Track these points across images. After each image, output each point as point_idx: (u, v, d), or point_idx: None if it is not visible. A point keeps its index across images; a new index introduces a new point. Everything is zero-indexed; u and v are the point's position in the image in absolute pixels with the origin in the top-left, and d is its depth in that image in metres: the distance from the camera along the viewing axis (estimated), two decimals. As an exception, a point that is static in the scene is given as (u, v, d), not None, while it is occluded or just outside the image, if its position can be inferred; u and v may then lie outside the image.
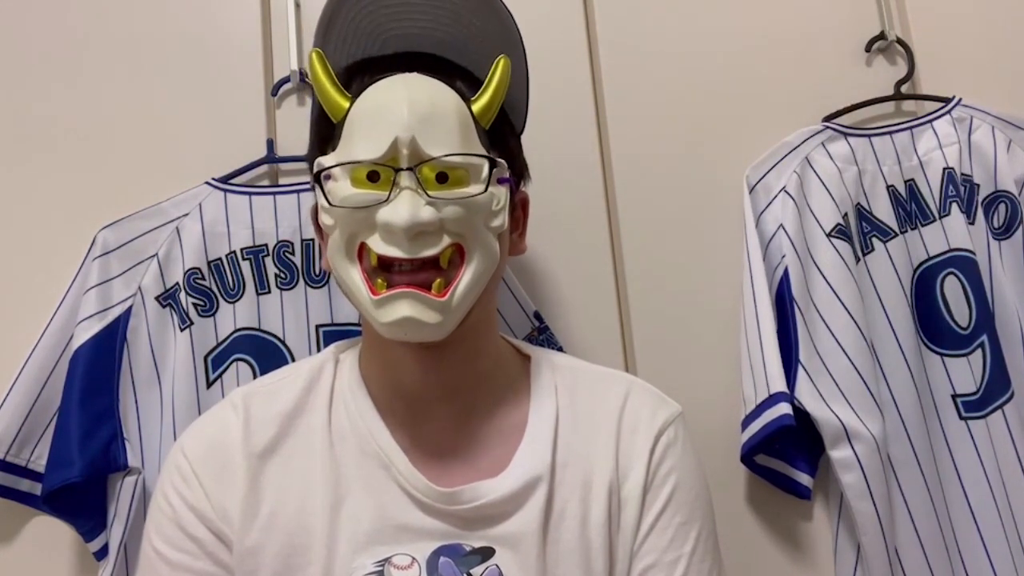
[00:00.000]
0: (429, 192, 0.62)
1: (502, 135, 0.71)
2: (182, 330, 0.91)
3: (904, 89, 1.07)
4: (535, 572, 0.64)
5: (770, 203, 0.99)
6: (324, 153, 0.67)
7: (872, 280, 0.99)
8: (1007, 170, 1.01)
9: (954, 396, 0.98)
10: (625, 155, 1.04)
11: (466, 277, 0.64)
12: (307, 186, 0.94)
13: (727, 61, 1.07)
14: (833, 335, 0.94)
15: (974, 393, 0.97)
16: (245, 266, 0.93)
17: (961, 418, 0.97)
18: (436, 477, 0.66)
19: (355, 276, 0.64)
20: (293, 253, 0.94)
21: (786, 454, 0.95)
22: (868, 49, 1.08)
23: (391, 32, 0.72)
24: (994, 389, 0.97)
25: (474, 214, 0.64)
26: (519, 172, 0.75)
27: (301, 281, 0.94)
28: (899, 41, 1.08)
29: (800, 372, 0.92)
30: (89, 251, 0.91)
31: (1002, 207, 1.02)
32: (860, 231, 1.01)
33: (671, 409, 0.74)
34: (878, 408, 0.92)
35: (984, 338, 0.98)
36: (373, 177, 0.63)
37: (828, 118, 1.05)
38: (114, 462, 0.86)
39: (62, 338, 0.89)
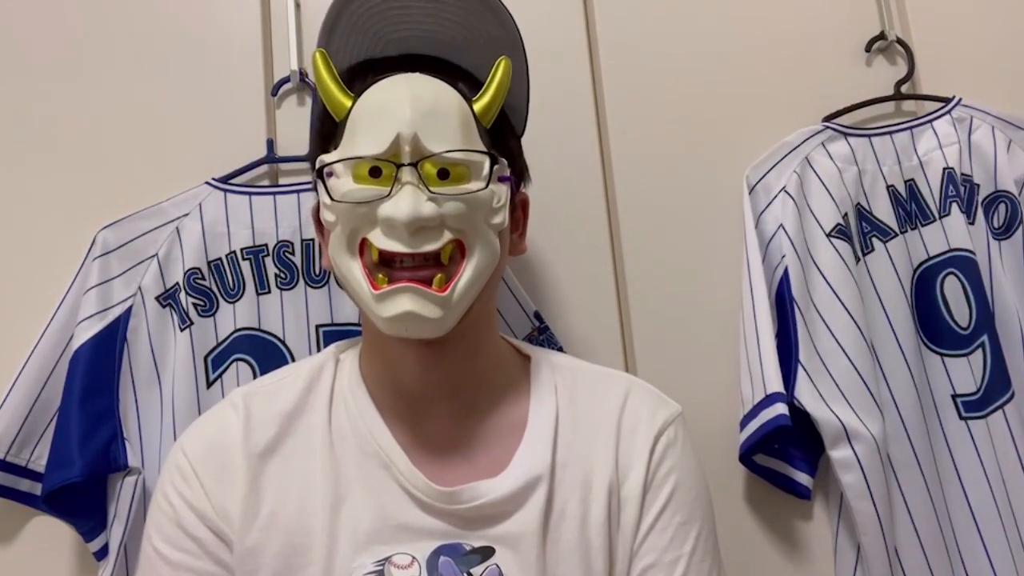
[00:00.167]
0: (431, 188, 0.63)
1: (503, 135, 0.71)
2: (182, 330, 0.91)
3: (904, 89, 1.07)
4: (535, 572, 0.64)
5: (770, 203, 0.99)
6: (326, 151, 0.67)
7: (872, 280, 0.99)
8: (1007, 170, 1.01)
9: (954, 396, 0.98)
10: (625, 155, 1.04)
11: (467, 273, 0.65)
12: (307, 186, 0.94)
13: (727, 61, 1.07)
14: (833, 335, 0.94)
15: (974, 393, 0.97)
16: (245, 266, 0.93)
17: (961, 418, 0.97)
18: (436, 476, 0.66)
19: (356, 271, 0.65)
20: (293, 253, 0.94)
21: (785, 454, 0.95)
22: (868, 49, 1.08)
23: (394, 34, 0.73)
24: (994, 389, 0.97)
25: (475, 210, 0.65)
26: (519, 173, 0.75)
27: (301, 281, 0.94)
28: (899, 41, 1.08)
29: (800, 372, 0.92)
30: (89, 251, 0.91)
31: (1002, 207, 1.02)
32: (860, 231, 1.01)
33: (671, 409, 0.74)
34: (878, 408, 0.92)
35: (984, 338, 0.98)
36: (375, 173, 0.64)
37: (828, 118, 1.05)
38: (114, 462, 0.86)
39: (62, 338, 0.89)
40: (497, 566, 0.64)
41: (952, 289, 0.99)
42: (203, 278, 0.92)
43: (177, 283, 0.92)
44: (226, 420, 0.69)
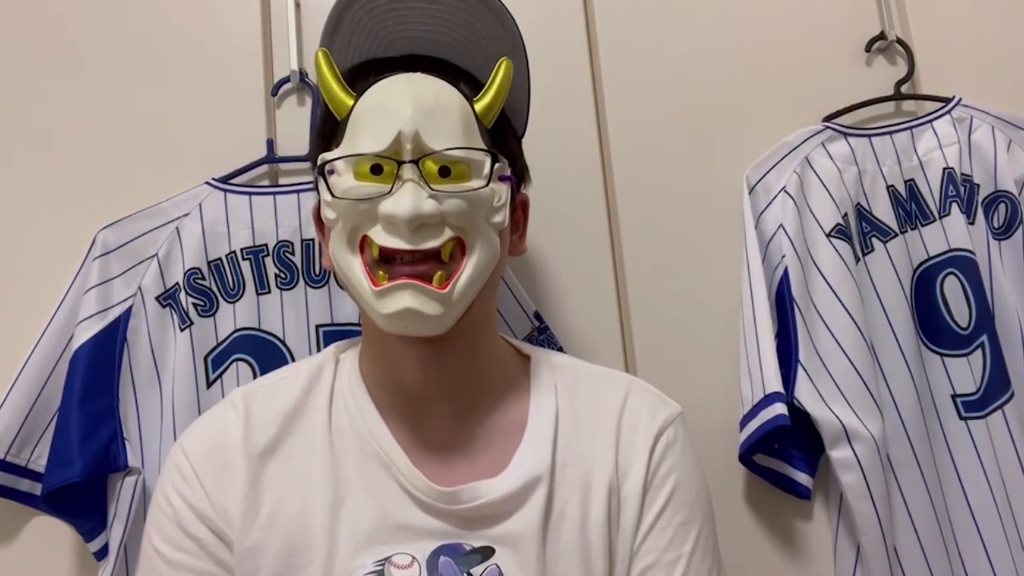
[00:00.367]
0: (431, 185, 0.63)
1: (503, 136, 0.72)
2: (182, 330, 0.91)
3: (904, 89, 1.07)
4: (535, 572, 0.64)
5: (770, 203, 1.00)
6: (327, 150, 0.68)
7: (872, 280, 0.99)
8: (1007, 170, 1.01)
9: (954, 396, 0.98)
10: (625, 155, 1.04)
11: (467, 271, 0.65)
12: (307, 186, 0.94)
13: (727, 61, 1.07)
14: (833, 335, 0.94)
15: (974, 393, 0.97)
16: (245, 266, 0.93)
17: (961, 418, 0.97)
18: (436, 476, 0.66)
19: (356, 268, 0.65)
20: (293, 253, 0.94)
21: (785, 454, 0.95)
22: (868, 49, 1.08)
23: (396, 35, 0.73)
24: (994, 389, 0.97)
25: (476, 208, 0.65)
26: (520, 174, 0.76)
27: (301, 281, 0.94)
28: (899, 41, 1.08)
29: (800, 372, 0.92)
30: (89, 251, 0.91)
31: (1002, 207, 1.02)
32: (860, 231, 1.01)
33: (671, 409, 0.74)
34: (878, 408, 0.92)
35: (984, 338, 0.98)
36: (376, 170, 0.64)
37: (828, 118, 1.05)
38: (114, 462, 0.86)
39: (62, 338, 0.89)
40: (497, 566, 0.64)
41: (952, 289, 0.99)
42: (203, 278, 0.92)
43: (177, 283, 0.92)
44: (226, 420, 0.69)
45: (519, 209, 0.76)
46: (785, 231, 0.97)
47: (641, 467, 0.69)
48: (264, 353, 0.91)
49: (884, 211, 1.02)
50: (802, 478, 0.94)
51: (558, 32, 1.06)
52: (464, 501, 0.65)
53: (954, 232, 1.00)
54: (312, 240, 0.94)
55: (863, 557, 0.91)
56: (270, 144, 0.98)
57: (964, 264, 0.99)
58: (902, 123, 1.05)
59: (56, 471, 0.84)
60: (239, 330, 0.91)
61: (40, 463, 0.87)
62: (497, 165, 0.66)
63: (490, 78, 0.68)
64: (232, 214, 0.94)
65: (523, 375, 0.75)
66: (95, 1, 1.02)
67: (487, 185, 0.65)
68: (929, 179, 1.03)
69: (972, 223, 1.01)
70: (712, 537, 0.71)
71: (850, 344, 0.93)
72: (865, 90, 1.06)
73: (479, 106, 0.68)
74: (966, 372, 0.98)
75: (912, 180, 1.03)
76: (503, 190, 0.67)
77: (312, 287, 0.94)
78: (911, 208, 1.02)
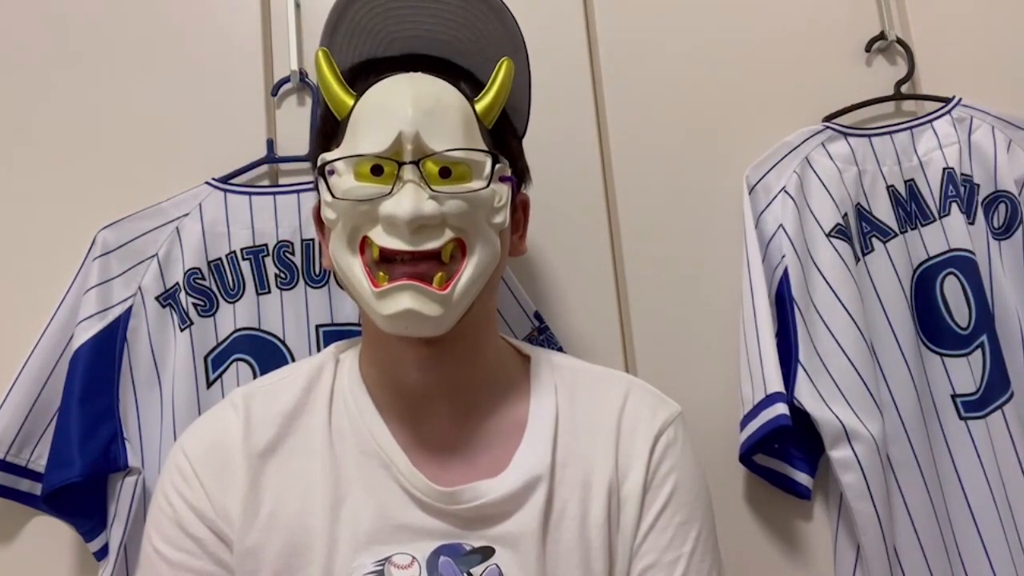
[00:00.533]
0: (432, 186, 0.63)
1: (504, 136, 0.72)
2: (182, 330, 0.91)
3: (904, 89, 1.07)
4: (535, 572, 0.64)
5: (770, 203, 1.00)
6: (328, 150, 0.68)
7: (872, 280, 0.99)
8: (1007, 170, 1.01)
9: (954, 396, 0.98)
10: (625, 155, 1.04)
11: (467, 272, 0.65)
12: (307, 186, 0.94)
13: (727, 61, 1.07)
14: (833, 335, 0.94)
15: (974, 393, 0.97)
16: (245, 266, 0.93)
17: (961, 418, 0.97)
18: (436, 476, 0.66)
19: (357, 269, 0.65)
20: (293, 253, 0.94)
21: (785, 454, 0.95)
22: (868, 49, 1.08)
23: (396, 34, 0.73)
24: (994, 389, 0.97)
25: (476, 209, 0.65)
26: (520, 174, 0.76)
27: (301, 281, 0.94)
28: (899, 41, 1.08)
29: (800, 372, 0.92)
30: (89, 251, 0.91)
31: (1002, 207, 1.02)
32: (860, 231, 1.01)
33: (671, 409, 0.74)
34: (878, 408, 0.92)
35: (984, 338, 0.98)
36: (377, 171, 0.64)
37: (828, 118, 1.05)
38: (114, 462, 0.86)
39: (62, 338, 0.89)
40: (497, 566, 0.64)
41: (952, 289, 0.99)
42: (203, 278, 0.92)
43: (177, 283, 0.92)
44: (226, 420, 0.69)
45: (519, 209, 0.76)
46: (785, 231, 0.97)
47: (641, 467, 0.69)
48: (264, 353, 0.91)
49: (884, 211, 1.02)
50: (802, 478, 0.94)
51: (558, 32, 1.06)
52: (464, 501, 0.65)
53: (954, 232, 1.00)
54: (312, 240, 0.94)
55: (863, 557, 0.91)
56: (270, 144, 0.98)
57: (964, 264, 0.99)
58: (902, 123, 1.05)
59: (56, 471, 0.84)
60: (239, 330, 0.91)
61: (40, 463, 0.87)
62: (498, 166, 0.66)
63: (491, 78, 0.68)
64: (232, 214, 0.94)
65: (523, 375, 0.75)
66: (95, 1, 1.02)
67: (488, 186, 0.65)
68: (929, 179, 1.03)
69: (972, 223, 1.01)
70: (712, 537, 0.71)
71: (850, 344, 0.93)
72: (865, 90, 1.06)
73: (480, 106, 0.68)
74: (966, 372, 0.98)
75: (912, 180, 1.03)
76: (504, 191, 0.67)
77: (312, 287, 0.94)
78: (911, 208, 1.02)
